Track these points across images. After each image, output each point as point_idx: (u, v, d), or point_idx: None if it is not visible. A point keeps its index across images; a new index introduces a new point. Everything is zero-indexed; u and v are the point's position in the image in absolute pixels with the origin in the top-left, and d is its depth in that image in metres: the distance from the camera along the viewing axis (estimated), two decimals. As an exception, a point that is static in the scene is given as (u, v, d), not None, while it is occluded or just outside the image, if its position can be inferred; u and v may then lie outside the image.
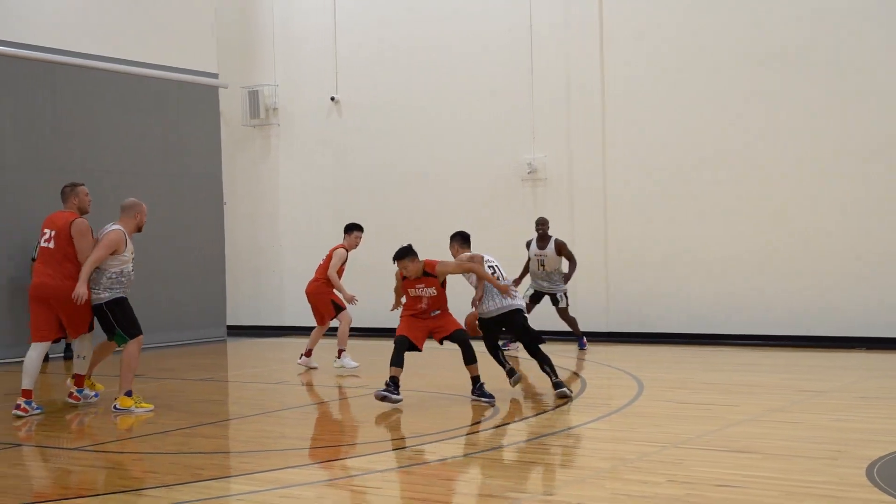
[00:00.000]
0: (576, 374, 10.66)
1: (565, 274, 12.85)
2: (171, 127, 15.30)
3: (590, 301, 14.09)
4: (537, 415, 8.34)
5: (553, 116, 14.50)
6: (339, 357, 11.48)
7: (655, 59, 13.81)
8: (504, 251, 15.03)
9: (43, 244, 8.87)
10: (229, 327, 16.12)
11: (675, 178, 13.71)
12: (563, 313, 12.90)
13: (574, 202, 14.35)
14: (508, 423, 7.97)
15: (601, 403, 8.87)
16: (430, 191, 15.44)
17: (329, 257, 11.53)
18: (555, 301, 12.84)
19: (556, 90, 14.45)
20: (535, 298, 12.81)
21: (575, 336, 13.05)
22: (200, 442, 7.56)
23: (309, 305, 11.66)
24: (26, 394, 8.71)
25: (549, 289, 12.83)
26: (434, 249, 15.50)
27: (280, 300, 16.73)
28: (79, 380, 9.18)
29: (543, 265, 12.77)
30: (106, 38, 16.66)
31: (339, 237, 11.49)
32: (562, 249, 12.75)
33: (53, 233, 8.82)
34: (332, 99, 16.20)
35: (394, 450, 7.11)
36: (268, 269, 16.92)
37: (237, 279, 16.76)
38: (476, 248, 9.75)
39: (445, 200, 15.27)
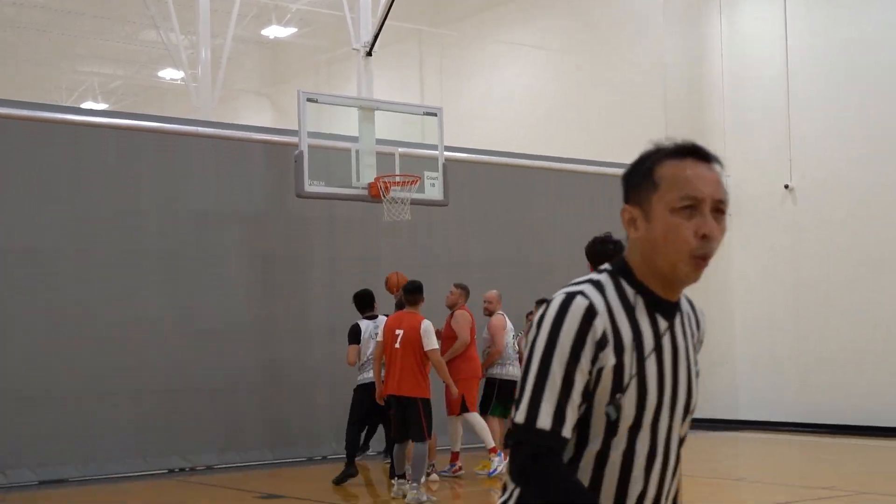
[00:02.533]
0: None
1: None
2: (621, 220, 15.64)
3: None
4: None
5: None
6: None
7: None
8: None
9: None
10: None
11: None
12: None
13: None
14: None
15: None
16: (892, 280, 14.40)
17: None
18: None
19: None
20: None
21: None
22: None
23: None
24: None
25: None
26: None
27: (734, 393, 16.29)
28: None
29: None
30: (561, 141, 17.57)
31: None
32: None
33: None
34: (786, 187, 15.75)
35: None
36: (720, 361, 16.59)
37: (689, 372, 16.58)
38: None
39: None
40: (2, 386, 10.61)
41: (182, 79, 22.66)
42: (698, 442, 14.37)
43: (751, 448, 13.50)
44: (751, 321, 16.19)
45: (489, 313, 11.24)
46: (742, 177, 16.35)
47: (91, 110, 19.30)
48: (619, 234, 10.59)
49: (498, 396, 10.95)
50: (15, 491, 10.32)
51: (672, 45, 17.14)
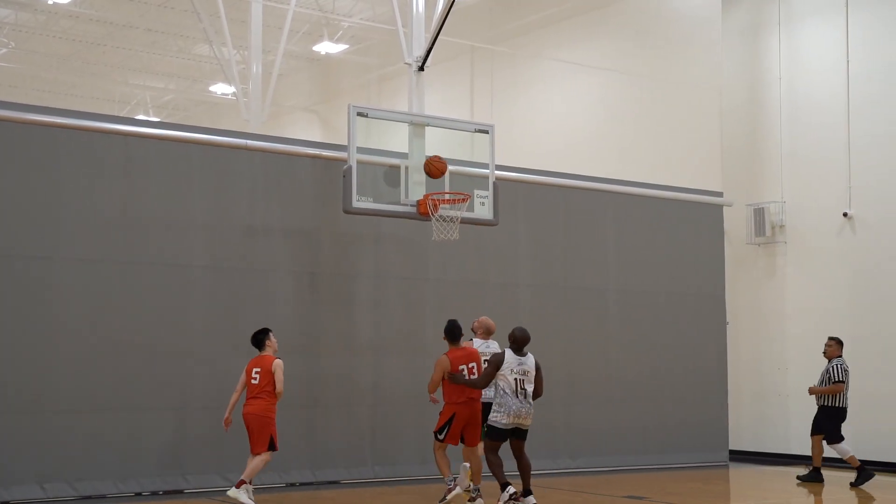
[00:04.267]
0: None
1: None
2: (674, 246, 15.34)
3: None
4: None
5: None
6: (237, 487, 10.00)
7: None
8: None
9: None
10: (731, 452, 15.55)
11: None
12: None
13: None
14: None
15: None
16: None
17: (270, 372, 10.12)
18: None
19: None
20: None
21: None
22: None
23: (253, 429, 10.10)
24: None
25: None
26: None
27: (785, 426, 15.85)
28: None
29: None
30: (614, 162, 17.27)
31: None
32: None
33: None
34: (845, 215, 15.32)
35: None
36: (772, 393, 16.16)
37: (739, 402, 16.18)
38: None
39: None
40: (45, 397, 10.52)
41: (233, 94, 22.70)
42: (750, 475, 13.96)
43: (805, 485, 13.05)
44: (804, 354, 15.73)
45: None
46: (798, 204, 15.97)
47: (142, 120, 19.33)
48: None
49: None
50: (52, 504, 10.21)
51: (729, 68, 16.82)
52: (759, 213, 16.19)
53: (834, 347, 13.14)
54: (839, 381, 12.91)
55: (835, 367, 12.97)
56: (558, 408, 13.67)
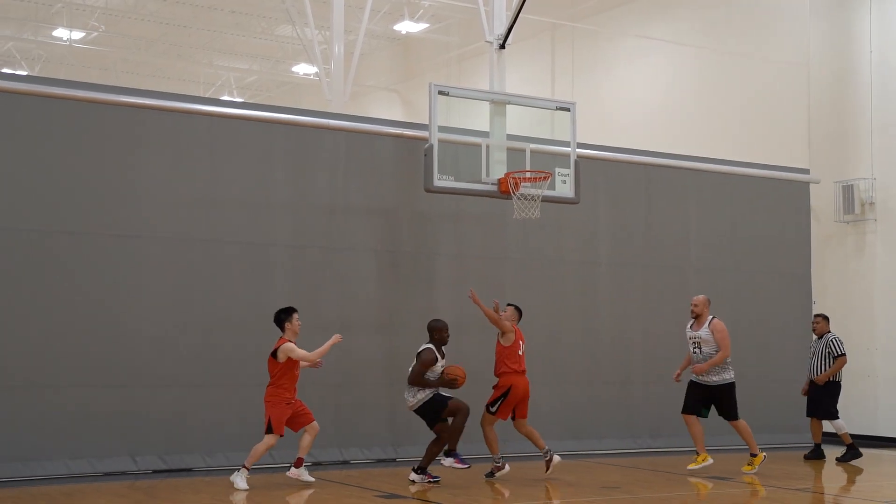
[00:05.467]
0: None
1: None
2: (758, 224, 15.09)
3: None
4: None
5: None
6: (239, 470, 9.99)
7: None
8: None
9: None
10: (817, 434, 15.27)
11: None
12: None
13: None
14: None
15: None
16: None
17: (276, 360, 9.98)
18: None
19: None
20: None
21: None
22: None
23: None
24: None
25: None
26: None
27: (874, 408, 15.51)
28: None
29: None
30: (697, 139, 17.04)
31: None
32: None
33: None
34: (938, 191, 14.91)
35: None
36: (861, 374, 15.80)
37: (826, 383, 15.86)
38: None
39: None
40: (135, 373, 10.80)
41: (315, 74, 22.89)
42: (836, 458, 13.70)
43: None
44: (893, 334, 15.36)
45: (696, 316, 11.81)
46: (889, 180, 15.55)
47: (226, 101, 19.66)
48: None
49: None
50: (143, 478, 10.48)
51: (817, 40, 16.42)
52: (848, 191, 15.80)
53: (823, 323, 13.20)
54: (843, 354, 12.97)
55: (833, 341, 12.99)
56: (638, 387, 13.58)
